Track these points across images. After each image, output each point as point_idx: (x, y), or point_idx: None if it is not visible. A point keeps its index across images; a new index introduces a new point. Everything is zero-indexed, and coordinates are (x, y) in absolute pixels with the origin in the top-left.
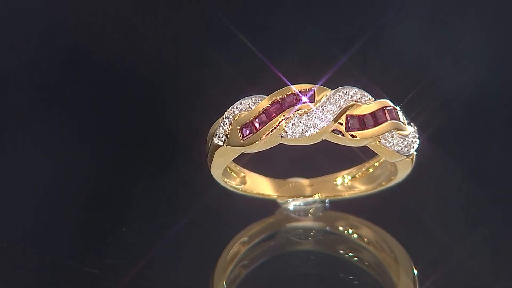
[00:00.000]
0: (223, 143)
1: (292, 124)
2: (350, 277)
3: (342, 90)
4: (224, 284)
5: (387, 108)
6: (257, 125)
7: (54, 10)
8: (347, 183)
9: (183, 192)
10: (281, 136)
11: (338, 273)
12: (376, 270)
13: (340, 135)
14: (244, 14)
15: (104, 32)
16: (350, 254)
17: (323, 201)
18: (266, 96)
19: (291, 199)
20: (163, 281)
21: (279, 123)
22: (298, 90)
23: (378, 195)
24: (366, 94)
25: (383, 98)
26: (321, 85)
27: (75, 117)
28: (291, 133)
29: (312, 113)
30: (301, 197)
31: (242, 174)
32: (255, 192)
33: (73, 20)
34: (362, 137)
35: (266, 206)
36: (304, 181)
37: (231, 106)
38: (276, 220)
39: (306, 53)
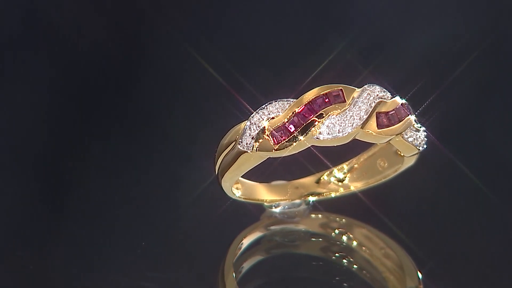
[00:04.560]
0: (251, 149)
1: (327, 126)
2: (345, 284)
3: (369, 88)
4: (233, 274)
5: (404, 103)
6: (291, 129)
7: None
8: (341, 179)
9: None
10: (316, 138)
11: (327, 277)
12: (371, 274)
13: (371, 133)
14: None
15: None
16: (342, 257)
17: (307, 203)
18: (292, 100)
19: (277, 203)
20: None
21: (314, 124)
22: (327, 91)
23: (365, 194)
24: (386, 90)
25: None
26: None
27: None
28: (326, 134)
29: (346, 113)
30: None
31: (237, 182)
32: (253, 198)
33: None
34: (390, 133)
35: (251, 211)
36: (307, 180)
37: (255, 112)
38: (262, 224)
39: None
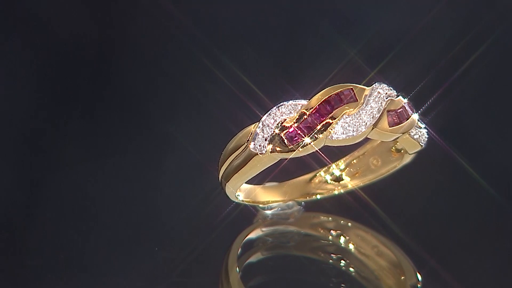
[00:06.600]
0: (265, 151)
1: (341, 126)
2: (340, 283)
3: (378, 86)
4: (237, 269)
5: (408, 102)
6: (305, 130)
7: None
8: (337, 177)
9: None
10: (331, 138)
11: (322, 277)
12: (365, 272)
13: (383, 131)
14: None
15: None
16: (337, 257)
17: (300, 204)
18: (304, 100)
19: (269, 205)
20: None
21: (328, 124)
22: (338, 90)
23: (362, 194)
24: (392, 88)
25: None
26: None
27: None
28: (340, 133)
29: (359, 112)
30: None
31: None
32: (254, 201)
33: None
34: (400, 131)
35: (244, 213)
36: (303, 179)
37: (267, 114)
38: (256, 226)
39: None
